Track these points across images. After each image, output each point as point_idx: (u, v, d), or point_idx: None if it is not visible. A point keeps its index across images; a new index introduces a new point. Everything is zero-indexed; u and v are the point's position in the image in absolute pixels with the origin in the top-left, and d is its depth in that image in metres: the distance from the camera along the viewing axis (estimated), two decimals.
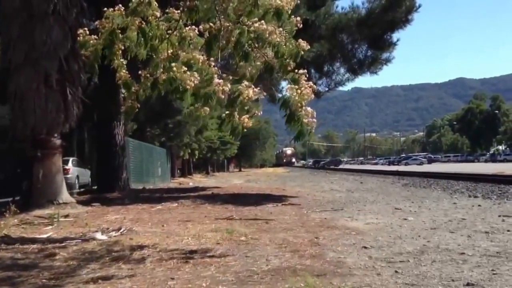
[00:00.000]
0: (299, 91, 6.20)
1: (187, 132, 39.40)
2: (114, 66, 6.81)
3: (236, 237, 8.53)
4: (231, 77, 6.60)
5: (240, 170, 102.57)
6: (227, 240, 8.27)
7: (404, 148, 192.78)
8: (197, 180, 47.64)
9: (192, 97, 6.45)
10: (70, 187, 23.60)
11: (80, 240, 8.45)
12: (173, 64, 6.35)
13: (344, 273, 5.75)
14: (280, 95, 6.73)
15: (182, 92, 6.36)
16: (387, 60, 21.09)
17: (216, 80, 6.34)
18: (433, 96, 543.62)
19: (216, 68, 6.51)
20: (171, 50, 6.61)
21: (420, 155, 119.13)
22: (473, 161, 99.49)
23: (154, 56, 6.76)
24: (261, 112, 6.96)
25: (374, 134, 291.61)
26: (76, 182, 26.78)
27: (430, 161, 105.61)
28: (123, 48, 6.76)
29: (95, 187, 24.46)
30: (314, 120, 6.40)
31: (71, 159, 27.00)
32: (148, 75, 6.93)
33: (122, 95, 7.40)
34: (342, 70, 22.14)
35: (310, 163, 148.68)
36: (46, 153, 14.36)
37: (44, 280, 5.85)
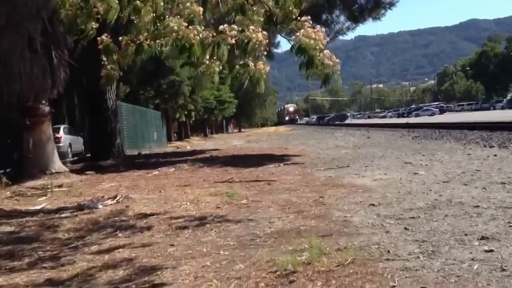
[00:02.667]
0: (313, 35, 6.23)
1: (182, 93, 39.29)
2: (86, 30, 6.76)
3: (237, 200, 8.61)
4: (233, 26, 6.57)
5: (239, 131, 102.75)
6: (228, 204, 8.35)
7: (414, 98, 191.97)
8: (195, 143, 47.79)
9: (200, 49, 6.40)
10: (63, 156, 23.72)
11: (75, 210, 8.55)
12: (172, 23, 6.28)
13: (350, 232, 5.81)
14: (289, 41, 6.70)
15: (189, 48, 6.32)
16: (391, 4, 20.76)
17: (221, 27, 6.30)
18: (444, 41, 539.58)
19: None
20: (155, 13, 6.53)
21: (432, 105, 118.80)
22: (488, 109, 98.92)
23: (136, 21, 6.69)
24: (268, 68, 6.96)
25: (381, 85, 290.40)
26: (69, 150, 26.92)
27: (442, 111, 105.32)
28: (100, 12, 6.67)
29: (89, 155, 24.58)
30: (338, 60, 6.47)
31: (62, 126, 27.11)
32: (130, 41, 6.87)
33: (102, 62, 7.35)
34: (342, 18, 21.89)
35: (314, 119, 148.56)
36: (35, 121, 14.41)
37: (48, 253, 5.96)
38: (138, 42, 6.83)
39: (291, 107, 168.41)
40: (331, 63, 6.44)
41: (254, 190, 9.88)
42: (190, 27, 6.18)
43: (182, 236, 6.25)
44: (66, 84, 14.99)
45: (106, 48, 7.09)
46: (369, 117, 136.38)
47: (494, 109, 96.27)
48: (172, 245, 5.84)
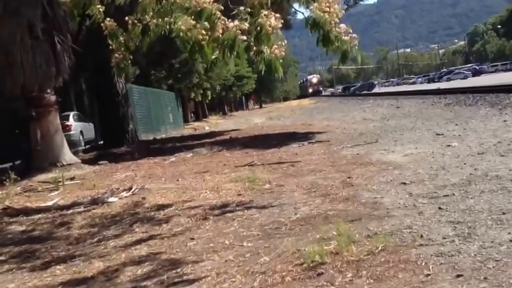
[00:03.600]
0: (328, 8, 6.16)
1: (196, 71, 39.17)
2: (92, 14, 6.76)
3: (259, 186, 8.59)
4: (242, 9, 6.52)
5: (261, 107, 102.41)
6: (250, 190, 8.33)
7: (444, 61, 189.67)
8: (213, 122, 47.78)
9: (211, 50, 6.42)
10: (75, 144, 23.86)
11: (89, 205, 8.60)
12: (180, 23, 6.27)
13: (381, 215, 5.77)
14: (303, 15, 6.65)
15: (199, 49, 6.32)
16: None
17: (232, 24, 6.27)
18: None
19: (218, 5, 6.43)
20: None
21: (463, 67, 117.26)
22: None
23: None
24: (285, 41, 6.91)
25: (408, 50, 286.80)
26: (81, 138, 26.95)
27: (475, 73, 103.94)
28: None
29: (101, 143, 24.70)
30: (355, 35, 6.41)
31: (71, 113, 27.10)
32: (136, 21, 6.86)
33: (110, 47, 7.35)
34: None
35: (340, 90, 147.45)
36: (41, 112, 14.47)
37: (62, 253, 6.03)
38: (144, 22, 6.83)
39: (314, 78, 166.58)
40: (348, 38, 6.38)
41: (277, 173, 9.86)
42: (198, 25, 6.13)
43: (202, 228, 6.26)
44: (71, 70, 15.00)
45: (112, 33, 7.10)
46: (397, 84, 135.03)
47: None
48: (193, 238, 5.85)
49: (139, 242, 6.01)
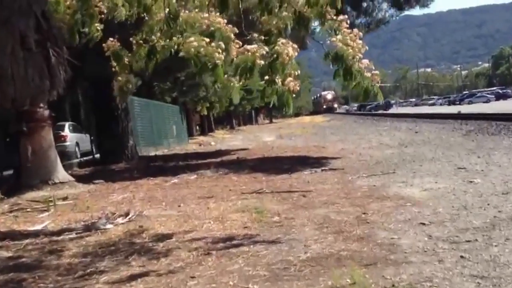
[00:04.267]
0: (351, 42, 6.14)
1: (203, 84, 39.17)
2: (92, 34, 6.72)
3: (268, 218, 8.48)
4: (256, 36, 6.51)
5: (271, 122, 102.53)
6: (257, 223, 8.21)
7: (467, 84, 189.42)
8: (219, 137, 47.73)
9: (223, 71, 6.38)
10: (69, 156, 23.85)
11: (81, 231, 8.49)
12: (192, 38, 6.23)
13: (398, 260, 5.65)
14: (323, 47, 6.62)
15: (212, 68, 6.27)
16: None
17: (250, 46, 6.24)
18: (499, 20, 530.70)
19: (232, 27, 6.40)
20: (168, 10, 6.45)
21: (486, 91, 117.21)
22: None
23: (147, 18, 6.63)
24: (299, 72, 6.87)
25: (429, 70, 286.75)
26: (77, 150, 26.98)
27: (499, 97, 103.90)
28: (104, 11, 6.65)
29: (98, 156, 24.59)
30: (377, 72, 6.38)
31: (67, 124, 27.14)
32: (142, 41, 6.82)
33: (113, 69, 7.32)
34: (385, 5, 21.59)
35: (355, 108, 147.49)
36: (33, 127, 14.39)
37: (51, 285, 5.92)
38: (151, 43, 6.79)
39: (329, 95, 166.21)
40: (370, 75, 6.35)
41: (287, 203, 9.74)
42: (213, 44, 6.09)
43: (204, 265, 6.13)
44: (67, 83, 14.93)
45: (115, 54, 7.06)
46: (416, 105, 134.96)
47: None
48: (193, 277, 5.73)
49: (134, 277, 5.88)
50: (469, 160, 13.80)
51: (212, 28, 6.31)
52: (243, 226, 8.06)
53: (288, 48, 6.21)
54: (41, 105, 14.61)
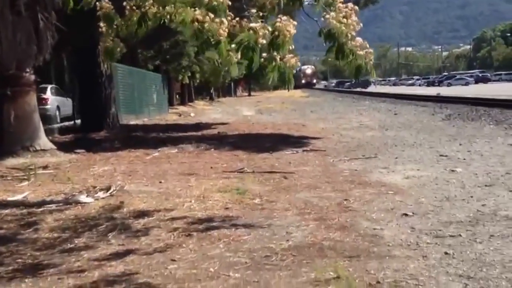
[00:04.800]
0: (345, 20, 6.04)
1: (186, 54, 38.87)
2: None
3: (249, 200, 8.37)
4: (254, 11, 6.38)
5: (249, 95, 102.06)
6: (238, 204, 8.10)
7: (447, 65, 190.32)
8: (199, 108, 47.53)
9: (226, 48, 6.25)
10: (50, 120, 23.54)
11: (61, 204, 8.33)
12: (197, 12, 6.08)
13: (381, 253, 5.58)
14: (318, 24, 6.50)
15: (215, 44, 6.13)
16: None
17: (254, 24, 6.11)
18: (483, 1, 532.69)
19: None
20: None
21: (466, 73, 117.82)
22: None
23: None
24: (293, 46, 6.75)
25: (410, 49, 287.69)
26: (57, 114, 26.68)
27: (478, 80, 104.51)
28: None
29: (79, 121, 24.30)
30: (371, 50, 6.31)
31: (49, 86, 26.81)
32: (135, 7, 6.65)
33: (100, 29, 7.14)
34: None
35: (333, 84, 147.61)
36: (18, 91, 14.11)
37: (29, 260, 5.81)
38: (143, 9, 6.63)
39: (308, 69, 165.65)
40: (363, 53, 6.28)
41: (268, 185, 9.63)
42: (217, 19, 5.96)
43: (185, 247, 6.01)
44: (53, 48, 14.67)
45: (107, 15, 6.91)
46: (394, 85, 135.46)
47: None
48: (174, 260, 5.62)
49: (114, 257, 5.76)
50: (450, 147, 13.79)
51: (215, 3, 6.15)
52: (224, 207, 7.94)
53: (290, 25, 6.10)
54: (27, 69, 14.33)
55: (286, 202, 8.14)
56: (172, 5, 6.39)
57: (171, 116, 35.92)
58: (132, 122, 27.80)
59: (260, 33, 6.15)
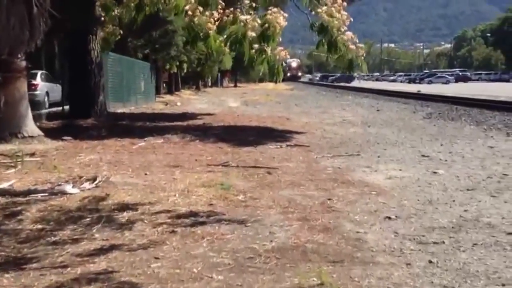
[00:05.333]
0: (337, 14, 5.96)
1: (175, 44, 38.63)
2: None
3: (233, 196, 8.22)
4: (247, 2, 6.26)
5: (235, 86, 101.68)
6: (222, 200, 7.95)
7: (428, 62, 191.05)
8: (185, 98, 47.32)
9: (215, 41, 6.15)
10: (39, 105, 23.25)
11: (47, 195, 8.13)
12: (187, 7, 5.97)
13: (365, 259, 5.44)
14: (308, 18, 6.40)
15: (204, 38, 6.02)
16: None
17: (243, 17, 5.99)
18: (465, 2, 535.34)
19: None
20: None
21: (447, 71, 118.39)
22: (508, 81, 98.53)
23: None
24: (280, 39, 6.64)
25: (392, 45, 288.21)
26: (46, 99, 26.41)
27: (458, 79, 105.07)
28: None
29: (67, 107, 24.01)
30: (361, 45, 6.23)
31: (39, 72, 26.53)
32: None
33: (102, 18, 7.02)
34: None
35: (317, 78, 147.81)
36: (8, 77, 13.91)
37: (12, 254, 5.64)
38: None
39: (293, 62, 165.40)
40: (354, 47, 6.21)
41: (252, 180, 9.48)
42: (207, 13, 5.84)
43: (169, 245, 5.86)
44: (45, 34, 14.42)
45: (105, 5, 6.75)
46: (377, 80, 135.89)
47: None
48: (157, 258, 5.46)
49: (98, 252, 5.60)
50: (432, 147, 13.72)
51: None
52: (209, 202, 7.78)
53: (280, 18, 5.99)
54: (19, 55, 14.07)
55: (270, 200, 8.00)
56: None
57: (158, 105, 35.67)
58: (119, 110, 27.55)
59: (249, 26, 6.04)
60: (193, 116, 25.38)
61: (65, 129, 17.30)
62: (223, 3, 6.49)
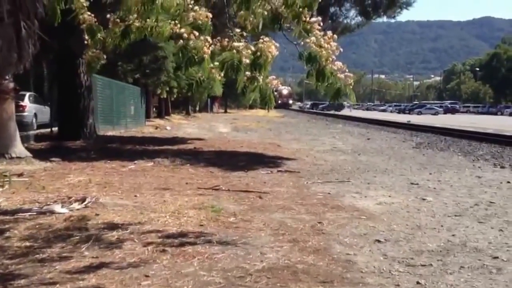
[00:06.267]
0: (326, 45, 6.05)
1: (166, 69, 38.78)
2: (74, 8, 6.49)
3: (224, 218, 8.26)
4: (238, 31, 6.35)
5: (225, 112, 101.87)
6: (213, 222, 7.99)
7: (417, 94, 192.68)
8: (175, 122, 47.31)
9: (208, 65, 6.23)
10: (27, 126, 23.23)
11: (35, 214, 8.12)
12: (182, 30, 6.07)
13: (355, 280, 5.52)
14: (297, 48, 6.50)
15: (199, 62, 6.10)
16: (408, 4, 20.68)
17: (237, 44, 6.09)
18: (454, 36, 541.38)
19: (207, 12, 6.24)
20: None
21: (436, 103, 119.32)
22: (495, 114, 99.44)
23: None
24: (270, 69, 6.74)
25: (383, 76, 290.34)
26: (34, 121, 26.40)
27: (447, 110, 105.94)
28: None
29: (56, 129, 23.99)
30: (351, 75, 6.31)
31: (27, 94, 26.52)
32: (118, 20, 6.60)
33: (86, 42, 7.09)
34: (352, 13, 21.63)
35: (308, 106, 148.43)
36: None
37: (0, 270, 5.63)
38: (127, 22, 6.58)
39: (285, 90, 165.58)
40: (343, 76, 6.28)
41: (243, 204, 9.53)
42: (201, 37, 5.93)
43: (159, 263, 5.90)
44: (34, 56, 14.45)
45: (89, 29, 6.82)
46: (367, 109, 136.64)
47: (502, 114, 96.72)
48: (147, 276, 5.50)
49: (87, 270, 5.63)
50: (421, 176, 13.83)
51: (200, 22, 6.12)
52: (199, 224, 7.83)
53: (271, 47, 6.08)
54: (7, 77, 14.08)
55: (261, 222, 8.05)
56: (154, 19, 6.37)
57: (148, 129, 35.68)
58: (109, 133, 27.57)
59: (244, 53, 6.14)
60: (183, 140, 25.39)
61: (54, 150, 17.28)
62: (213, 31, 6.59)
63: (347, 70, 6.42)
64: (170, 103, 62.32)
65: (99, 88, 28.22)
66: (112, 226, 7.50)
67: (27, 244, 6.58)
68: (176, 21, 6.18)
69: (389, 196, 10.70)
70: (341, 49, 6.43)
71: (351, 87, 6.47)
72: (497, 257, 6.44)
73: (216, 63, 6.40)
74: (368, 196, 10.75)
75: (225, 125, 43.66)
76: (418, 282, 5.46)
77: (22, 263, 5.85)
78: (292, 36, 6.69)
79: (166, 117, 55.50)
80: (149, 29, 6.50)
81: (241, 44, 6.22)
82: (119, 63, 35.41)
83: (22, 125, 20.02)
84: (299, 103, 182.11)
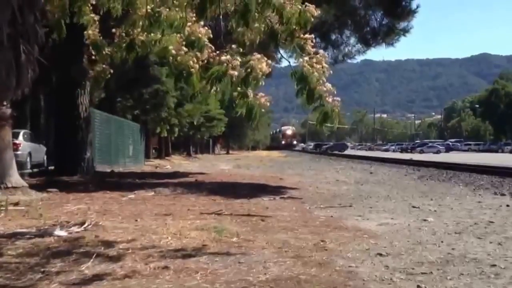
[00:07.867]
0: (317, 65, 6.20)
1: (166, 105, 38.85)
2: (83, 22, 6.68)
3: (227, 238, 8.33)
4: (234, 47, 6.52)
5: (227, 153, 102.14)
6: (216, 242, 8.03)
7: (419, 133, 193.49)
8: (176, 163, 47.28)
9: (198, 80, 6.40)
10: (20, 166, 23.15)
11: (33, 236, 8.05)
12: (170, 47, 6.28)
13: (357, 287, 5.61)
14: (289, 63, 6.67)
15: (187, 77, 6.28)
16: (405, 31, 21.02)
17: (224, 57, 6.25)
18: (453, 74, 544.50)
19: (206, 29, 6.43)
20: (151, 6, 6.43)
21: (437, 142, 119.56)
22: (496, 151, 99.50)
23: (131, 12, 6.60)
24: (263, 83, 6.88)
25: (385, 115, 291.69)
26: (28, 160, 26.06)
27: (449, 149, 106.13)
28: (94, 2, 6.68)
29: (52, 168, 23.93)
30: (338, 99, 6.43)
31: (22, 131, 26.31)
32: (124, 34, 6.79)
33: (93, 57, 7.25)
34: (352, 40, 21.97)
35: (311, 146, 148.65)
36: None
37: None
38: (131, 36, 6.77)
39: (289, 130, 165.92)
40: (331, 101, 6.40)
41: (246, 226, 9.63)
42: (190, 53, 6.11)
43: (162, 278, 5.89)
44: (32, 84, 14.57)
45: (95, 44, 7.01)
46: (370, 149, 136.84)
47: (503, 152, 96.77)
48: None
49: (88, 283, 5.67)
50: (422, 201, 14.00)
51: (193, 38, 6.32)
52: (202, 244, 7.84)
53: (262, 64, 6.24)
54: (4, 103, 14.12)
55: (264, 241, 8.12)
56: (158, 33, 6.55)
57: (147, 168, 35.60)
58: (107, 170, 27.53)
59: (230, 65, 6.28)
60: (184, 174, 25.49)
61: (50, 184, 16.97)
62: (213, 47, 6.77)
63: (335, 93, 6.55)
64: (171, 144, 62.34)
65: (97, 123, 28.19)
66: (113, 245, 7.53)
67: (26, 260, 6.59)
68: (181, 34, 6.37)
69: (391, 218, 10.86)
70: (331, 71, 6.59)
71: (337, 110, 6.59)
72: (495, 265, 6.61)
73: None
74: (370, 218, 10.91)
75: (227, 164, 43.80)
76: (418, 286, 5.58)
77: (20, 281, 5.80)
78: (288, 52, 6.89)
79: (166, 157, 55.39)
80: (152, 42, 6.68)
81: (228, 57, 6.37)
82: (118, 98, 35.52)
83: (16, 164, 19.98)
84: (302, 144, 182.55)
